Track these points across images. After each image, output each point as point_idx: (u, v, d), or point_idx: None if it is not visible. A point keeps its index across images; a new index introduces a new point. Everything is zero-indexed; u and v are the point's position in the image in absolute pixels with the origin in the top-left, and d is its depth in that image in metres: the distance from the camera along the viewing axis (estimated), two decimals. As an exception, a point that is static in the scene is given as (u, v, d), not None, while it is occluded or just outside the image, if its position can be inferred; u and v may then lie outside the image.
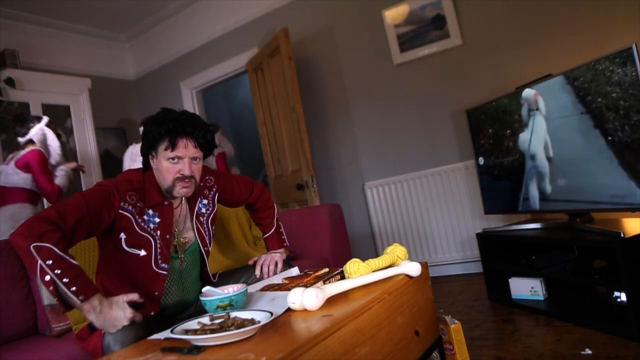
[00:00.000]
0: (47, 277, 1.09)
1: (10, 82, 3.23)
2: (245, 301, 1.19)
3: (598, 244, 1.78)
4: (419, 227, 3.21)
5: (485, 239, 2.41)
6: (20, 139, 2.82)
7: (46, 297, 1.84)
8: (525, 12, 2.78)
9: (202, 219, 1.52)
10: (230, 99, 5.99)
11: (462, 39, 3.00)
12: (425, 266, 1.41)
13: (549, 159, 2.15)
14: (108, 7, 3.98)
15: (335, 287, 1.18)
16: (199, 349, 0.91)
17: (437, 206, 3.13)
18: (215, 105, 5.69)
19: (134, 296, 1.21)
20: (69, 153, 3.65)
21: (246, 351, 0.86)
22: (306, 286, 1.18)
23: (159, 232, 1.38)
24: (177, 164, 1.35)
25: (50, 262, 1.08)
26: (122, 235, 1.32)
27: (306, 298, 1.08)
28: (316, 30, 3.56)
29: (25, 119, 2.86)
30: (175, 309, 1.49)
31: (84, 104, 3.81)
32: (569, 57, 2.56)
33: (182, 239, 1.46)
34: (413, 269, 1.32)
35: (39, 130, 2.84)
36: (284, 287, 1.36)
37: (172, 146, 1.33)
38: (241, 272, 1.65)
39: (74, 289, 1.10)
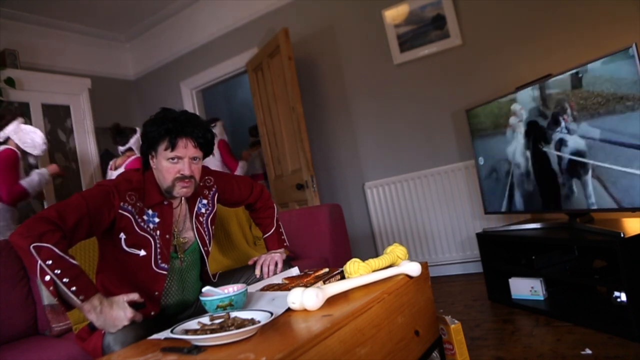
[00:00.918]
0: (47, 277, 1.09)
1: (10, 82, 3.23)
2: (245, 301, 1.19)
3: (598, 244, 1.78)
4: (419, 227, 3.21)
5: (485, 239, 2.41)
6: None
7: (46, 297, 1.84)
8: (525, 12, 2.78)
9: (201, 219, 1.52)
10: (230, 99, 6.00)
11: (462, 39, 3.00)
12: (425, 266, 1.41)
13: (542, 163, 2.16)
14: (108, 7, 3.98)
15: (335, 287, 1.18)
16: (199, 349, 0.91)
17: (437, 206, 3.13)
18: (215, 105, 5.69)
19: (135, 296, 1.21)
20: (69, 153, 3.65)
21: (246, 351, 0.86)
22: (306, 286, 1.18)
23: (158, 232, 1.38)
24: (176, 163, 1.35)
25: (50, 262, 1.08)
26: (122, 235, 1.32)
27: (306, 298, 1.08)
28: (316, 30, 3.56)
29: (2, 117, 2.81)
30: (176, 309, 1.50)
31: (84, 104, 3.81)
32: (569, 57, 2.56)
33: (181, 239, 1.46)
34: (413, 269, 1.32)
35: (15, 127, 2.77)
36: (284, 287, 1.36)
37: (172, 146, 1.33)
38: (241, 272, 1.65)
39: (74, 288, 1.10)
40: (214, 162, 3.80)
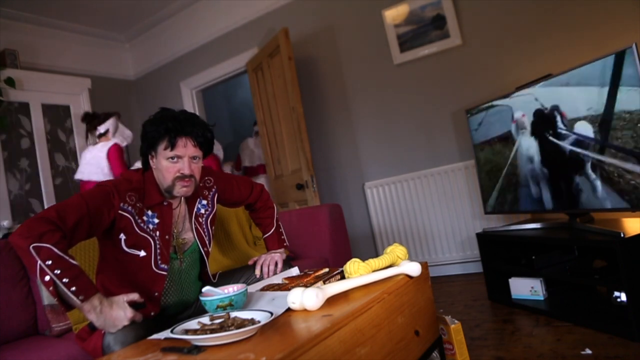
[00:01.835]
0: (47, 277, 1.09)
1: (10, 82, 3.23)
2: (245, 301, 1.19)
3: (598, 244, 1.78)
4: (419, 227, 3.21)
5: (485, 239, 2.41)
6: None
7: (46, 297, 1.84)
8: (525, 12, 2.78)
9: (201, 220, 1.52)
10: (230, 99, 5.99)
11: (462, 39, 3.00)
12: (425, 266, 1.41)
13: (544, 162, 2.16)
14: (108, 7, 3.98)
15: (335, 287, 1.18)
16: (199, 349, 0.91)
17: (437, 206, 3.13)
18: (215, 105, 5.68)
19: (135, 296, 1.21)
20: (69, 153, 3.65)
21: (246, 351, 0.86)
22: (306, 286, 1.18)
23: (158, 233, 1.38)
24: (176, 163, 1.35)
25: (50, 262, 1.08)
26: (122, 236, 1.32)
27: (306, 298, 1.08)
28: (316, 30, 3.56)
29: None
30: (175, 309, 1.50)
31: (84, 104, 3.81)
32: (569, 57, 2.56)
33: (181, 240, 1.46)
34: (413, 269, 1.32)
35: (113, 122, 3.22)
36: (284, 287, 1.36)
37: (172, 145, 1.33)
38: (241, 272, 1.65)
39: (73, 288, 1.10)
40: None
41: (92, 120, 3.23)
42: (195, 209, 1.51)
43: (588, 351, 1.60)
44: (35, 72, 3.60)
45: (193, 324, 1.02)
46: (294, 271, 1.60)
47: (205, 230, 1.52)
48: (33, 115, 3.42)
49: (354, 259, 1.32)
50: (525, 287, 2.21)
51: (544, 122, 2.14)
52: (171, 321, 1.30)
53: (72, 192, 3.53)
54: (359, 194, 3.48)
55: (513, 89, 2.34)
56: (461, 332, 1.51)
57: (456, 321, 1.52)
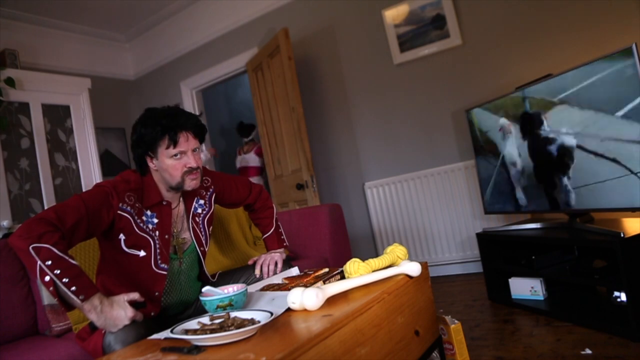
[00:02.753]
0: (47, 278, 1.09)
1: (10, 82, 3.23)
2: (245, 301, 1.19)
3: (598, 244, 1.78)
4: (419, 227, 3.21)
5: (485, 239, 2.41)
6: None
7: (46, 297, 1.84)
8: (525, 12, 2.78)
9: (197, 219, 1.52)
10: (230, 99, 5.99)
11: (462, 39, 3.00)
12: (425, 266, 1.41)
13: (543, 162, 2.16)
14: (108, 7, 3.98)
15: (335, 287, 1.18)
16: (199, 349, 0.91)
17: (437, 206, 3.13)
18: (215, 105, 5.68)
19: (135, 295, 1.21)
20: (69, 153, 3.65)
21: (246, 351, 0.86)
22: (306, 286, 1.18)
23: (157, 233, 1.38)
24: (181, 159, 1.36)
25: (50, 262, 1.08)
26: (122, 236, 1.32)
27: (306, 298, 1.08)
28: (316, 30, 3.56)
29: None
30: (176, 309, 1.50)
31: (84, 104, 3.80)
32: (569, 57, 2.56)
33: (180, 239, 1.47)
34: (413, 269, 1.32)
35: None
36: (284, 287, 1.36)
37: (174, 143, 1.33)
38: (241, 272, 1.65)
39: (74, 288, 1.10)
40: None
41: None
42: (192, 209, 1.51)
43: (588, 351, 1.60)
44: (35, 72, 3.59)
45: (193, 324, 1.02)
46: (294, 271, 1.60)
47: (202, 229, 1.52)
48: (33, 115, 3.42)
49: (354, 259, 1.32)
50: (525, 287, 2.21)
51: (536, 120, 2.14)
52: (171, 321, 1.30)
53: (72, 192, 3.53)
54: (359, 194, 3.48)
55: (513, 89, 2.34)
56: (461, 332, 1.51)
57: (456, 321, 1.52)
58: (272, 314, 1.00)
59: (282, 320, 1.05)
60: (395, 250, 1.41)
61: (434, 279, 3.08)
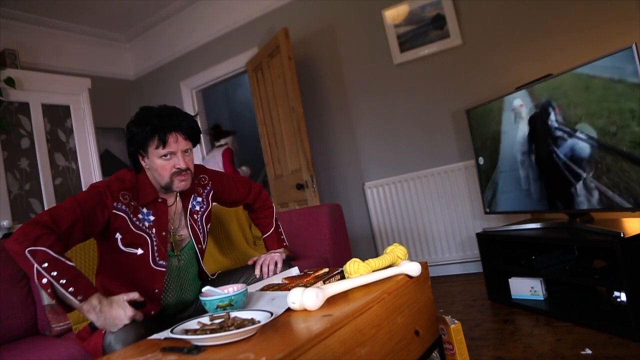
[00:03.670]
0: (45, 280, 1.09)
1: (10, 82, 3.22)
2: (245, 301, 1.19)
3: (598, 244, 1.78)
4: (419, 227, 3.21)
5: (485, 239, 2.41)
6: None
7: (46, 297, 1.84)
8: (525, 12, 2.78)
9: (195, 217, 1.52)
10: (230, 99, 5.99)
11: (462, 39, 3.00)
12: (425, 266, 1.41)
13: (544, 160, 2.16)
14: (108, 7, 3.98)
15: (335, 287, 1.18)
16: (199, 349, 0.91)
17: (437, 206, 3.13)
18: (215, 105, 5.68)
19: (135, 295, 1.21)
20: (69, 153, 3.65)
21: (246, 351, 0.86)
22: (306, 286, 1.18)
23: (154, 230, 1.38)
24: (170, 159, 1.36)
25: (46, 264, 1.08)
26: (118, 235, 1.32)
27: (306, 298, 1.08)
28: (316, 30, 3.56)
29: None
30: (175, 309, 1.50)
31: (84, 104, 3.80)
32: (569, 57, 2.56)
33: (177, 237, 1.47)
34: (413, 268, 1.32)
35: (232, 139, 4.07)
36: (284, 287, 1.36)
37: (163, 143, 1.33)
38: (241, 272, 1.65)
39: (71, 289, 1.10)
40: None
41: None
42: (189, 206, 1.51)
43: (588, 351, 1.60)
44: (35, 72, 3.59)
45: (193, 324, 1.02)
46: (294, 271, 1.60)
47: (200, 227, 1.53)
48: (33, 115, 3.42)
49: (354, 259, 1.32)
50: (525, 287, 2.21)
51: (541, 118, 2.14)
52: (171, 321, 1.30)
53: (72, 192, 3.53)
54: (359, 194, 3.48)
55: (513, 89, 2.34)
56: (461, 332, 1.51)
57: (456, 321, 1.52)
58: (272, 314, 1.00)
59: (282, 320, 1.05)
60: (395, 250, 1.41)
61: (434, 279, 3.08)
